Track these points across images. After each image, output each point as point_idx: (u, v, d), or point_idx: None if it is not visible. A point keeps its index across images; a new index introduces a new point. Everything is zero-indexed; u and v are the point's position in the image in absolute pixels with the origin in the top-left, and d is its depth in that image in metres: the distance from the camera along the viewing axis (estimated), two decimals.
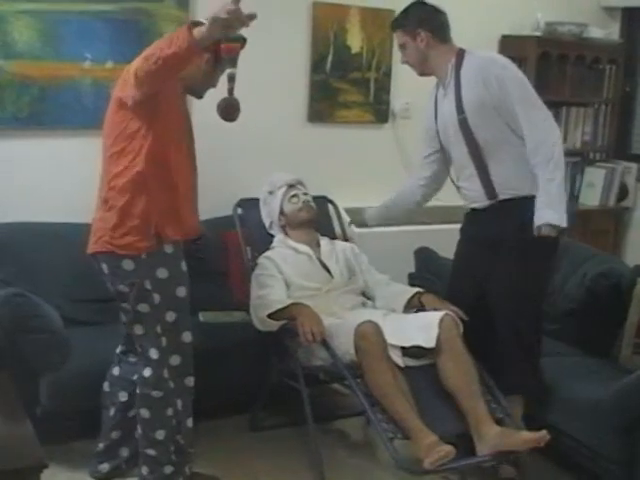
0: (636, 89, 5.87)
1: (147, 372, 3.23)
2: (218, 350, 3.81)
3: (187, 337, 3.25)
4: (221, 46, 3.20)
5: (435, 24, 3.55)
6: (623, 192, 5.73)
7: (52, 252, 3.95)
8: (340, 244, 4.18)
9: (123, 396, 3.42)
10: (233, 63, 3.31)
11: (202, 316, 4.13)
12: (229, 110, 3.38)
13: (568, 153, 5.53)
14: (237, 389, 3.93)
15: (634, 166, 5.71)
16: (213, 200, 4.25)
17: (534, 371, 3.59)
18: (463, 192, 3.68)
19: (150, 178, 3.10)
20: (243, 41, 3.27)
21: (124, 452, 3.46)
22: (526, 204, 3.41)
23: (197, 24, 2.85)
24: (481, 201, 3.56)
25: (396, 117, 5.09)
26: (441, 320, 3.44)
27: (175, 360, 3.22)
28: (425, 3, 3.61)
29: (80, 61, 4.13)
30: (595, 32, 5.47)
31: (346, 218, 4.76)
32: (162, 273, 3.15)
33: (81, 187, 4.13)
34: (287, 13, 4.66)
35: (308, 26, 4.72)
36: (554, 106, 5.43)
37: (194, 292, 4.22)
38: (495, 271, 3.53)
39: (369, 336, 3.28)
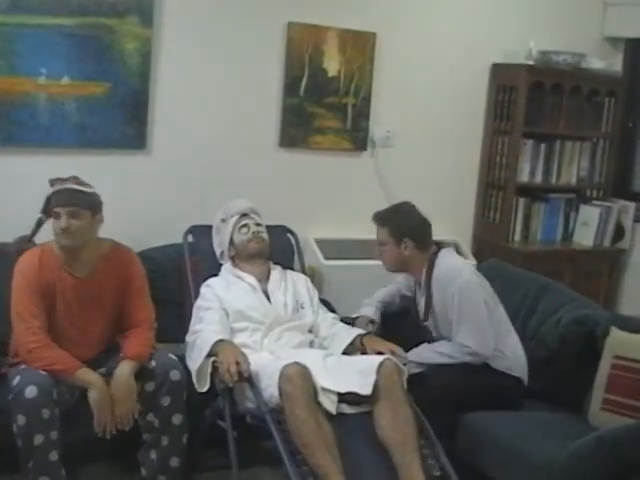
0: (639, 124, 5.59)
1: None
2: None
3: None
4: None
5: (421, 235, 3.73)
6: (619, 233, 5.44)
7: None
8: (293, 275, 3.98)
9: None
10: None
11: None
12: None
13: (562, 189, 5.34)
14: None
15: (632, 205, 5.42)
16: (172, 225, 4.12)
17: None
18: None
19: None
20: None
21: None
22: None
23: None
24: None
25: (376, 145, 4.87)
26: (380, 365, 3.20)
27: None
28: (414, 209, 3.78)
29: (35, 76, 3.97)
30: (594, 63, 5.21)
31: (316, 251, 4.58)
32: None
33: (31, 208, 3.98)
34: (261, 33, 4.48)
35: (282, 47, 4.52)
36: (547, 139, 5.22)
37: None
38: None
39: (294, 379, 3.05)
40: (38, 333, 3.23)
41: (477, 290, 3.64)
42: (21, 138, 4.00)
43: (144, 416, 3.34)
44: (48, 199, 3.42)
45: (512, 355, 3.70)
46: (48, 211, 3.41)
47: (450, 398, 3.45)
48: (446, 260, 3.70)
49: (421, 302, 3.76)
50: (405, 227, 3.70)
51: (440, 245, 3.77)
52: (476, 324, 3.57)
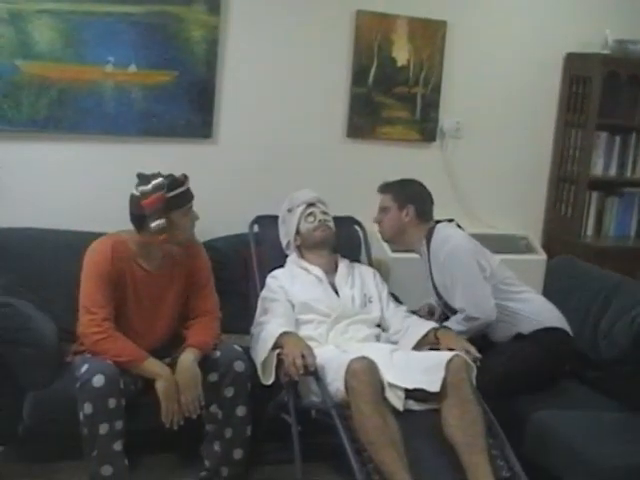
0: None
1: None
2: None
3: None
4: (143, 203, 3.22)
5: (423, 205, 3.79)
6: None
7: (59, 260, 3.75)
8: (361, 268, 3.90)
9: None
10: (159, 214, 3.26)
11: None
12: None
13: (637, 183, 5.18)
14: None
15: None
16: (237, 215, 4.10)
17: None
18: None
19: None
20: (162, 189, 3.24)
21: None
22: None
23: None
24: None
25: (445, 136, 4.76)
26: (449, 361, 3.11)
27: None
28: (422, 184, 3.84)
29: (102, 64, 3.96)
30: None
31: (383, 243, 4.49)
32: None
33: (97, 196, 3.99)
34: (328, 21, 4.40)
35: (351, 36, 4.43)
36: (622, 132, 5.05)
37: None
38: None
39: (360, 374, 2.98)
40: (102, 325, 3.19)
41: (466, 253, 3.65)
42: (87, 126, 4.00)
43: (207, 407, 3.30)
44: (172, 198, 3.28)
45: (537, 309, 3.72)
46: (167, 211, 3.27)
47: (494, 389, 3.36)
48: (441, 231, 3.73)
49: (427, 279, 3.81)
50: (409, 194, 3.78)
51: (440, 221, 3.80)
52: (467, 286, 3.59)
